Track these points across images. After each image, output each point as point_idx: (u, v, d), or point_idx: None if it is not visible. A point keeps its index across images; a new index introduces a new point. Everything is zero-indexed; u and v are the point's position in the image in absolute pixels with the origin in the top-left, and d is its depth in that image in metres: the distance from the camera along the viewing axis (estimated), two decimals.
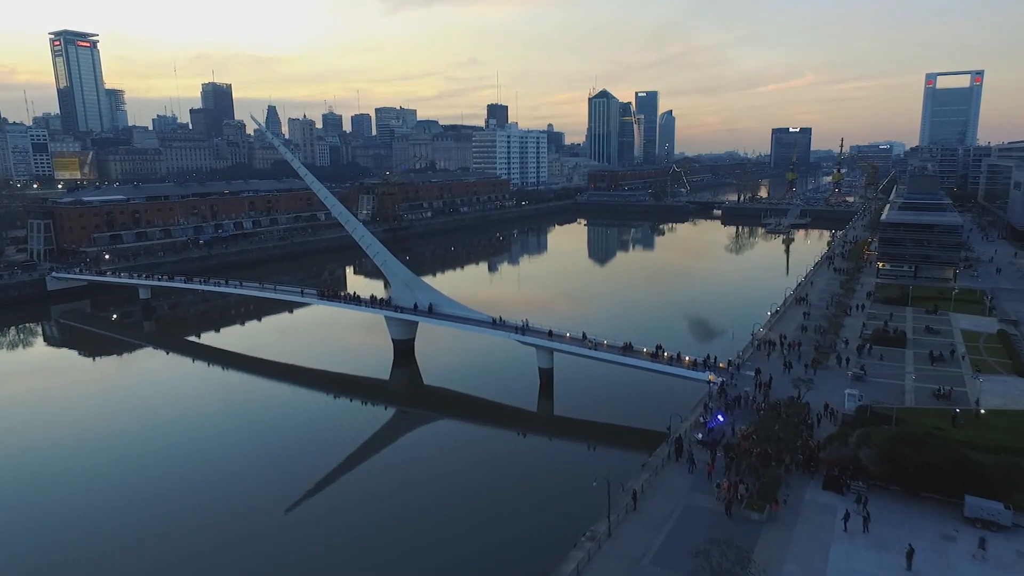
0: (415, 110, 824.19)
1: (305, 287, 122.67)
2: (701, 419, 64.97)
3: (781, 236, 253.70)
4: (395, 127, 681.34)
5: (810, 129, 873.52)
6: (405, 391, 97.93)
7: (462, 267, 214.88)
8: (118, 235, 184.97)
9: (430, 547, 55.33)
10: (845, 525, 46.95)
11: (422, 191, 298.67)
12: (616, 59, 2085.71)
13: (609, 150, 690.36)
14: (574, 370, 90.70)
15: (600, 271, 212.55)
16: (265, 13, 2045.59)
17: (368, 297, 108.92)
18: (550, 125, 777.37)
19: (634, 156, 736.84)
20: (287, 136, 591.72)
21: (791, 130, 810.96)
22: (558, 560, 44.85)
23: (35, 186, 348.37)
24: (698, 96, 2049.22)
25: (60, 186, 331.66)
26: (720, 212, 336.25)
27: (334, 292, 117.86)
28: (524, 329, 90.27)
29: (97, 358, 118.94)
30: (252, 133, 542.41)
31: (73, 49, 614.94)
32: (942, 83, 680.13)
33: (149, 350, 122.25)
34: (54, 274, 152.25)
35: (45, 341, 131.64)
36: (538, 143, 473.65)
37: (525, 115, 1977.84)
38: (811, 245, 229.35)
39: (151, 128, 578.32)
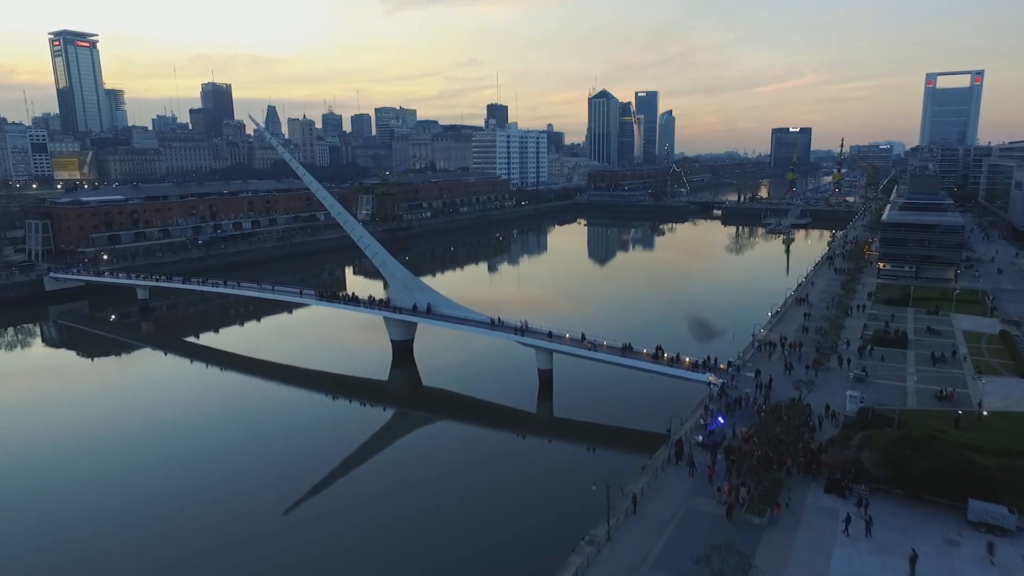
0: (415, 110, 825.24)
1: (304, 287, 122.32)
2: (701, 421, 64.52)
3: (781, 236, 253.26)
4: (395, 127, 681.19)
5: (810, 129, 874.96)
6: (404, 392, 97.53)
7: (462, 267, 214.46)
8: (116, 235, 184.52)
9: (429, 548, 55.13)
10: (846, 529, 46.49)
11: (422, 191, 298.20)
12: (616, 59, 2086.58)
13: (609, 150, 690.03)
14: (574, 371, 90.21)
15: (600, 271, 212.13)
16: (265, 13, 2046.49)
17: (367, 297, 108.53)
18: (550, 125, 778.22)
19: (634, 156, 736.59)
20: (287, 136, 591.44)
21: (791, 130, 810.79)
22: (557, 565, 44.47)
23: (34, 186, 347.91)
24: (698, 96, 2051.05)
25: (59, 186, 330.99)
26: (720, 212, 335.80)
27: (333, 293, 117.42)
28: (523, 330, 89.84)
29: (96, 359, 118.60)
30: (252, 133, 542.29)
31: (73, 49, 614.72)
32: (942, 83, 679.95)
33: (148, 351, 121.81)
34: (52, 274, 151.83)
35: (43, 342, 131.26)
36: (538, 143, 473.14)
37: (525, 115, 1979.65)
38: (811, 245, 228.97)
39: (151, 128, 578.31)
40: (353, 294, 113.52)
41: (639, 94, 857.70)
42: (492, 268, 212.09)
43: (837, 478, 52.28)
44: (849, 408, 65.03)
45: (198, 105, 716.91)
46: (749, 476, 51.49)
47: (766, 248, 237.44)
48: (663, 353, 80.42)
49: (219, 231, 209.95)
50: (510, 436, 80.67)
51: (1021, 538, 45.52)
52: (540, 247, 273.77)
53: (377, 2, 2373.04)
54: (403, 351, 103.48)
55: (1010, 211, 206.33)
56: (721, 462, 55.45)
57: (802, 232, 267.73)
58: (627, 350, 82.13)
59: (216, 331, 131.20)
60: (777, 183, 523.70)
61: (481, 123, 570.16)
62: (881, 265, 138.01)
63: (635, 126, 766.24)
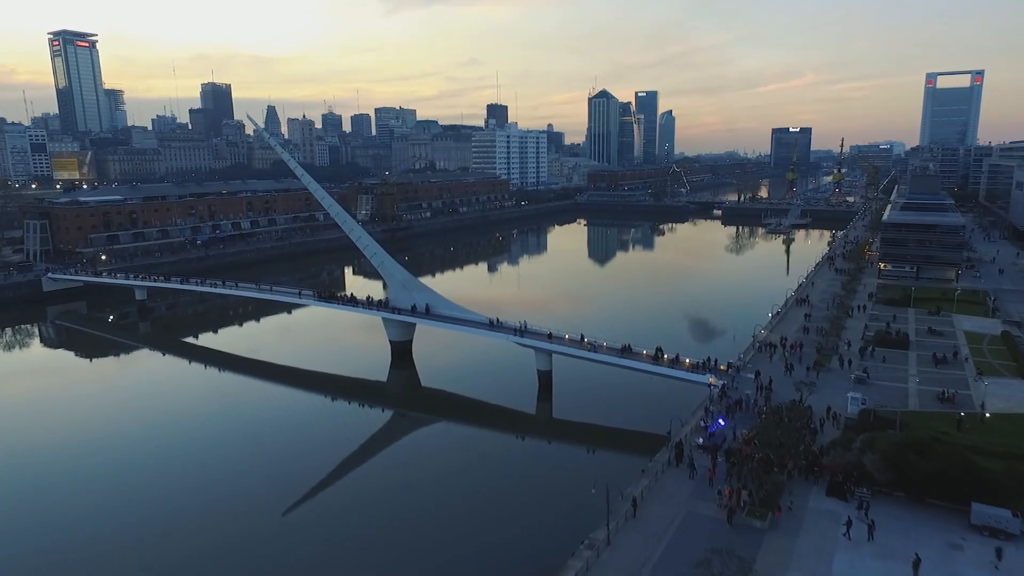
0: (415, 110, 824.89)
1: (303, 288, 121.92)
2: (702, 423, 64.01)
3: (781, 236, 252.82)
4: (395, 127, 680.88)
5: (810, 129, 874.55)
6: (403, 393, 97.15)
7: (461, 267, 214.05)
8: (115, 235, 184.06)
9: (428, 548, 54.95)
10: (848, 532, 46.05)
11: (421, 191, 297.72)
12: (616, 59, 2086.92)
13: (609, 150, 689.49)
14: (573, 372, 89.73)
15: (600, 271, 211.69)
16: (265, 13, 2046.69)
17: (365, 298, 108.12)
18: (550, 125, 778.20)
19: (634, 156, 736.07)
20: (286, 136, 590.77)
21: (791, 130, 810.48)
22: (557, 567, 44.07)
23: (33, 186, 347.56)
24: (698, 96, 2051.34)
25: (58, 186, 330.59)
26: (720, 212, 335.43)
27: (331, 293, 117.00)
28: (522, 331, 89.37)
29: (94, 359, 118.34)
30: (251, 133, 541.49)
31: (72, 49, 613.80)
32: (942, 83, 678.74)
33: (146, 351, 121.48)
34: (50, 275, 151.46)
35: (41, 342, 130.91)
36: (538, 143, 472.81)
37: (525, 115, 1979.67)
38: (812, 245, 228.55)
39: (150, 128, 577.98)
40: (352, 294, 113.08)
41: (639, 94, 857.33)
42: (492, 268, 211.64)
43: (839, 481, 51.83)
44: (850, 410, 64.55)
45: (198, 105, 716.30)
46: (750, 479, 50.99)
47: (766, 248, 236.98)
48: (663, 354, 79.95)
49: (218, 231, 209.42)
50: (509, 437, 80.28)
51: None
52: (540, 247, 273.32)
53: (377, 2, 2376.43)
54: (402, 352, 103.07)
55: (1011, 211, 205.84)
56: (722, 465, 54.97)
57: (802, 232, 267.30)
58: (627, 351, 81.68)
59: (215, 331, 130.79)
60: (777, 183, 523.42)
61: (481, 123, 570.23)
62: (882, 265, 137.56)
63: (635, 126, 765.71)
